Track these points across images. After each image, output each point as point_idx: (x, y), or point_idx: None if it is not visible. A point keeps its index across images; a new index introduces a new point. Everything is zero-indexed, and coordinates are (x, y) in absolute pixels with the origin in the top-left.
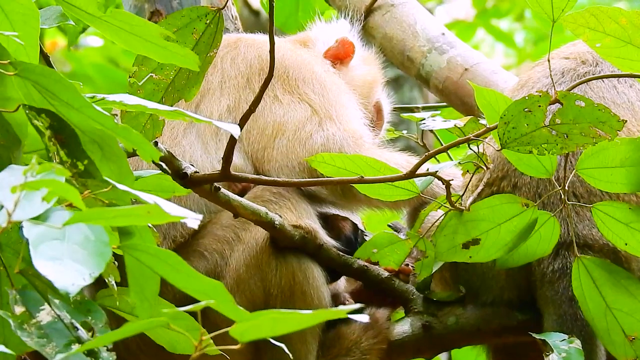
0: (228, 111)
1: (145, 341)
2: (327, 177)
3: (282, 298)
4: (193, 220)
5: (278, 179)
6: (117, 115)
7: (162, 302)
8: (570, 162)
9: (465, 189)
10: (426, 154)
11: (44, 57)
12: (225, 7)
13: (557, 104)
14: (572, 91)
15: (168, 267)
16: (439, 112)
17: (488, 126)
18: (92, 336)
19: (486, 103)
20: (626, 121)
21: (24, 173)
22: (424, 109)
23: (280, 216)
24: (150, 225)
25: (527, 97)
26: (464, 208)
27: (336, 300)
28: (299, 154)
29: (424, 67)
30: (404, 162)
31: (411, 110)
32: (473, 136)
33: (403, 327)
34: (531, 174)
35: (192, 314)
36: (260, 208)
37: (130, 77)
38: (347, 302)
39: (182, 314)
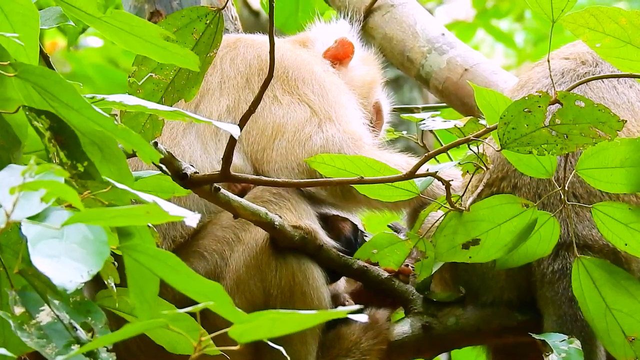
0: (227, 111)
1: (145, 342)
2: (327, 177)
3: (282, 299)
4: (192, 219)
5: (277, 180)
6: (116, 115)
7: (161, 303)
8: (570, 163)
9: (465, 190)
10: (426, 154)
11: (44, 58)
12: (225, 8)
13: (557, 104)
14: (572, 91)
15: (167, 268)
16: (438, 112)
17: (488, 126)
18: (91, 337)
19: (486, 103)
20: (626, 121)
21: (22, 174)
22: (424, 109)
23: (280, 217)
24: (150, 225)
25: (527, 98)
26: (463, 208)
27: (336, 300)
28: (298, 156)
29: (424, 67)
30: (404, 163)
31: (411, 110)
32: (473, 137)
33: (403, 327)
34: (531, 175)
35: (192, 314)
36: (260, 209)
37: (129, 77)
38: (347, 303)
39: (181, 314)
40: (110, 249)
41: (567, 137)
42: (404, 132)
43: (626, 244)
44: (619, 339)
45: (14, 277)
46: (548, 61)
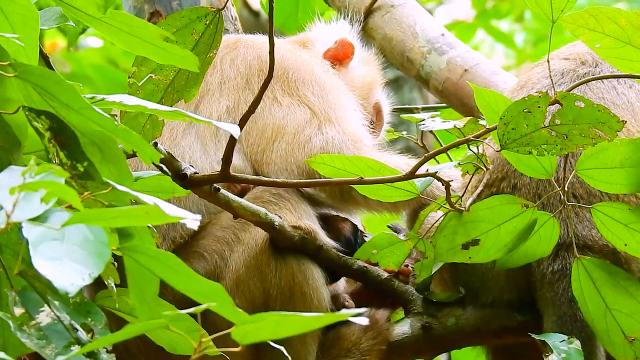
0: (227, 112)
1: (145, 342)
2: (327, 178)
3: (282, 299)
4: (192, 220)
5: (277, 180)
6: (116, 115)
7: (161, 304)
8: (570, 163)
9: (465, 190)
10: (426, 154)
11: (44, 58)
12: (225, 8)
13: (557, 104)
14: (571, 92)
15: (167, 269)
16: (438, 113)
17: (488, 127)
18: (91, 337)
19: (486, 104)
20: (626, 122)
21: (22, 174)
22: (424, 109)
23: (279, 217)
24: (149, 226)
25: (526, 98)
26: (463, 209)
27: (336, 301)
28: (298, 158)
29: (424, 68)
30: (404, 164)
31: (411, 111)
32: (472, 137)
33: (403, 328)
34: (531, 175)
35: (192, 315)
36: (259, 209)
37: (129, 77)
38: (346, 303)
39: (182, 315)
40: (111, 249)
41: (566, 137)
42: (404, 133)
43: (626, 245)
44: (618, 339)
45: (14, 278)
46: (548, 62)
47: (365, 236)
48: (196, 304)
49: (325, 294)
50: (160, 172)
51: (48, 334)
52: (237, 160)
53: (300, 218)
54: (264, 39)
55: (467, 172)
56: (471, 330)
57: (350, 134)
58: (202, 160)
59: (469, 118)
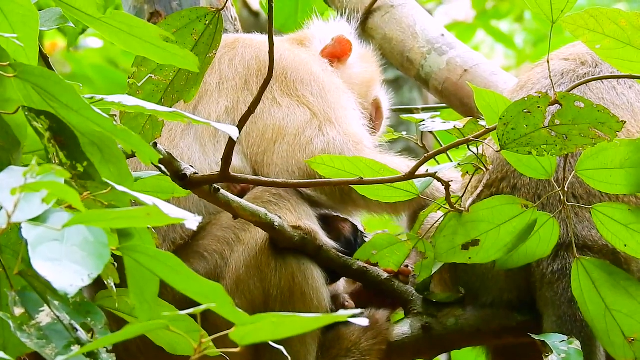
0: (226, 113)
1: (145, 343)
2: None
3: (282, 299)
4: (192, 221)
5: (277, 180)
6: (116, 116)
7: (161, 304)
8: (570, 164)
9: (465, 190)
10: (425, 155)
11: (44, 59)
12: (225, 8)
13: (557, 105)
14: (571, 92)
15: (167, 269)
16: (438, 113)
17: (487, 127)
18: (91, 337)
19: (485, 104)
20: (625, 122)
21: (23, 174)
22: (424, 110)
23: (279, 217)
24: (149, 226)
25: (526, 98)
26: (463, 209)
27: (336, 301)
28: (299, 159)
29: (424, 68)
30: (404, 166)
31: (411, 111)
32: (472, 137)
33: (403, 328)
34: (530, 175)
35: (192, 315)
36: (259, 209)
37: (129, 78)
38: (346, 304)
39: (181, 315)
40: (110, 250)
41: (566, 137)
42: (404, 133)
43: (625, 245)
44: (618, 339)
45: (14, 278)
46: (548, 62)
47: (365, 236)
48: (196, 304)
49: (325, 294)
50: (160, 173)
51: (48, 334)
52: (236, 160)
53: (300, 218)
54: (262, 38)
55: (467, 172)
56: (471, 331)
57: (351, 135)
58: (200, 161)
59: (468, 118)
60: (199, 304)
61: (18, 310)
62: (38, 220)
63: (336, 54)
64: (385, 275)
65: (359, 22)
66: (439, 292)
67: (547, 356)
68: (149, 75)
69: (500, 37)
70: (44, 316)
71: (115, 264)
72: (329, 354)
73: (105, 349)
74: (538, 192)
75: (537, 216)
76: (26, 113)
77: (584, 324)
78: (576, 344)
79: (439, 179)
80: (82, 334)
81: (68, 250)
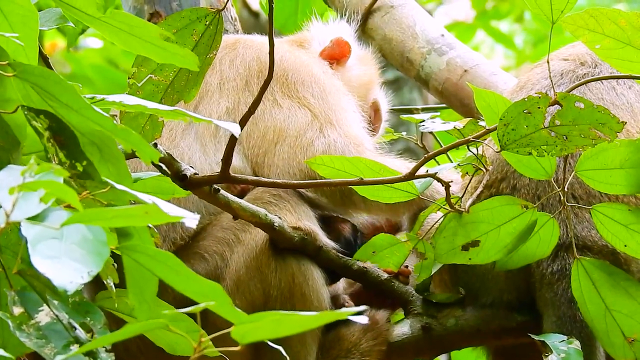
0: (227, 113)
1: (144, 343)
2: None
3: (282, 299)
4: (191, 220)
5: (277, 181)
6: (116, 116)
7: (161, 304)
8: (570, 164)
9: (465, 191)
10: (425, 155)
11: (43, 59)
12: (225, 9)
13: (557, 105)
14: (571, 93)
15: (167, 269)
16: (438, 113)
17: (487, 128)
18: (91, 337)
19: (485, 105)
20: (625, 122)
21: (22, 174)
22: (424, 110)
23: (279, 218)
24: (150, 226)
25: (526, 99)
26: (463, 210)
27: (336, 301)
28: (300, 161)
29: (424, 68)
30: (404, 167)
31: (411, 112)
32: (472, 138)
33: (403, 328)
34: (530, 176)
35: (192, 315)
36: (259, 210)
37: (129, 78)
38: (346, 304)
39: (181, 315)
40: (110, 249)
41: (566, 138)
42: (404, 133)
43: (625, 245)
44: (618, 340)
45: (13, 278)
46: (548, 62)
47: (365, 237)
48: (196, 304)
49: (325, 294)
50: (160, 173)
51: (47, 334)
52: (236, 161)
53: (300, 219)
54: (263, 39)
55: (467, 173)
56: (471, 331)
57: (352, 137)
58: (201, 161)
59: (468, 119)
60: (199, 304)
61: (17, 310)
62: (37, 219)
63: (335, 56)
64: (385, 275)
65: (358, 23)
66: (438, 292)
67: (546, 356)
68: (149, 75)
69: (500, 37)
70: (43, 316)
71: (115, 264)
72: (329, 354)
73: (104, 349)
74: (538, 192)
75: (537, 217)
76: (25, 112)
77: (584, 325)
78: (576, 344)
79: (439, 180)
80: (81, 333)
81: (67, 248)
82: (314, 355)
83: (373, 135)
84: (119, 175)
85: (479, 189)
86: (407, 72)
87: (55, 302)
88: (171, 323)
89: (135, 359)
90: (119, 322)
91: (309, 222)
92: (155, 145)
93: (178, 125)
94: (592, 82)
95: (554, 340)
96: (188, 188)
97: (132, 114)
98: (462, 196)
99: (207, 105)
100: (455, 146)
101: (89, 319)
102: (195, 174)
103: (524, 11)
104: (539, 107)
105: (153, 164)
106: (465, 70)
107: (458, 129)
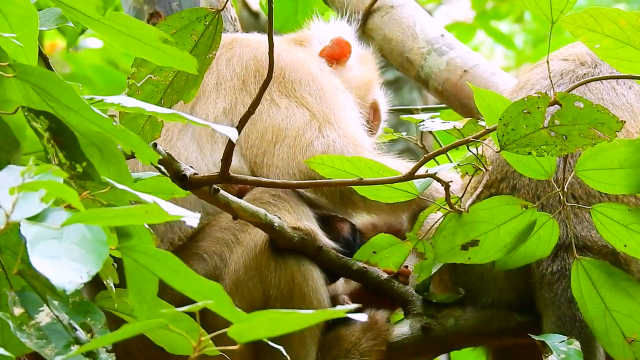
0: (224, 113)
1: (144, 343)
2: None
3: (281, 300)
4: (192, 219)
5: (277, 181)
6: (115, 116)
7: (161, 304)
8: (569, 164)
9: (465, 191)
10: (425, 155)
11: (43, 59)
12: (225, 9)
13: (556, 105)
14: (571, 93)
15: (166, 269)
16: (438, 113)
17: (487, 128)
18: (91, 337)
19: (485, 105)
20: (625, 122)
21: (21, 174)
22: (423, 110)
23: (279, 218)
24: (148, 227)
25: (526, 99)
26: (463, 210)
27: (335, 301)
28: (300, 161)
29: (423, 68)
30: (403, 168)
31: (410, 111)
32: (472, 138)
33: (402, 328)
34: (530, 176)
35: (191, 315)
36: (259, 210)
37: (129, 78)
38: (346, 304)
39: (181, 315)
40: (110, 249)
41: (566, 138)
42: (404, 133)
43: (625, 245)
44: (618, 340)
45: (13, 278)
46: (547, 62)
47: (364, 236)
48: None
49: (324, 294)
50: (159, 174)
51: (47, 334)
52: (234, 161)
53: (300, 219)
54: (261, 37)
55: (467, 173)
56: (471, 331)
57: (351, 137)
58: (197, 161)
59: (468, 119)
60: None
61: (17, 310)
62: (36, 219)
63: (335, 56)
64: (385, 275)
65: (359, 23)
66: (438, 292)
67: (546, 356)
68: (149, 75)
69: (500, 37)
70: (44, 316)
71: (115, 264)
72: (328, 354)
73: (104, 349)
74: (537, 192)
75: (537, 217)
76: (25, 113)
77: (584, 325)
78: (576, 345)
79: (438, 180)
80: (81, 333)
81: (67, 248)
82: (314, 355)
83: (372, 135)
84: (119, 175)
85: (479, 189)
86: (407, 72)
87: (56, 302)
88: (171, 322)
89: (135, 359)
90: (118, 323)
91: (308, 222)
92: (155, 145)
93: (175, 126)
94: (591, 82)
95: (554, 340)
96: (188, 188)
97: (131, 115)
98: (462, 196)
99: (204, 105)
100: (455, 146)
101: (89, 319)
102: (195, 174)
103: (523, 11)
104: (538, 107)
105: (153, 164)
106: (465, 71)
107: (458, 129)
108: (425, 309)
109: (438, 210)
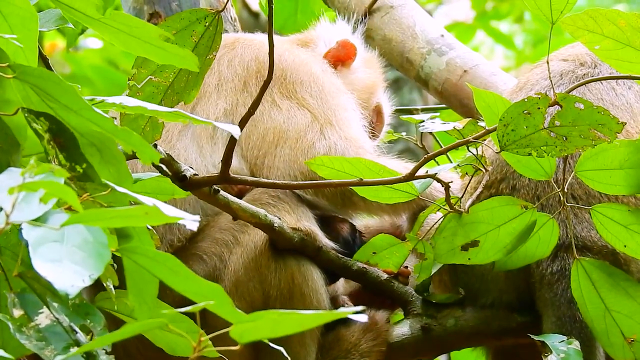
0: (225, 114)
1: (144, 344)
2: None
3: (281, 300)
4: (191, 221)
5: (277, 182)
6: (115, 117)
7: (161, 305)
8: (569, 164)
9: (464, 191)
10: (425, 156)
11: (43, 60)
12: (225, 10)
13: (556, 106)
14: (570, 93)
15: (166, 270)
16: (438, 114)
17: (487, 128)
18: (90, 339)
19: (485, 105)
20: (625, 123)
21: (22, 174)
22: (423, 111)
23: (279, 218)
24: (149, 228)
25: (526, 99)
26: (462, 210)
27: (335, 302)
28: (301, 163)
29: (423, 69)
30: (403, 169)
31: (410, 112)
32: (472, 138)
33: (402, 329)
34: (530, 176)
35: (191, 316)
36: (259, 210)
37: (129, 79)
38: (345, 305)
39: (180, 315)
40: (110, 251)
41: (566, 138)
42: (404, 134)
43: (625, 246)
44: (618, 340)
45: (13, 280)
46: (547, 63)
47: (364, 237)
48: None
49: (324, 295)
50: (159, 174)
51: (47, 336)
52: (234, 163)
53: (299, 219)
54: (263, 38)
55: (467, 173)
56: (471, 332)
57: (352, 139)
58: (197, 162)
59: (468, 119)
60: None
61: (17, 312)
62: (37, 221)
63: (340, 58)
64: (385, 276)
65: (359, 24)
66: (438, 293)
67: (546, 356)
68: (149, 76)
69: (500, 37)
70: (43, 318)
71: (115, 265)
72: (328, 355)
73: (104, 350)
74: (537, 193)
75: (537, 217)
76: (25, 114)
77: (584, 325)
78: (575, 345)
79: (438, 180)
80: (81, 335)
81: (68, 251)
82: (314, 355)
83: (374, 138)
84: (119, 176)
85: (479, 190)
86: (406, 73)
87: (55, 304)
88: (170, 323)
89: None
90: (118, 324)
91: (308, 222)
92: (155, 146)
93: (174, 127)
94: (591, 83)
95: (554, 340)
96: (188, 189)
97: (132, 116)
98: (462, 196)
99: (204, 106)
100: (455, 147)
101: (89, 321)
102: (195, 174)
103: (523, 12)
104: (538, 108)
105: (153, 164)
106: (465, 71)
107: (458, 130)
108: (425, 309)
109: (438, 210)
